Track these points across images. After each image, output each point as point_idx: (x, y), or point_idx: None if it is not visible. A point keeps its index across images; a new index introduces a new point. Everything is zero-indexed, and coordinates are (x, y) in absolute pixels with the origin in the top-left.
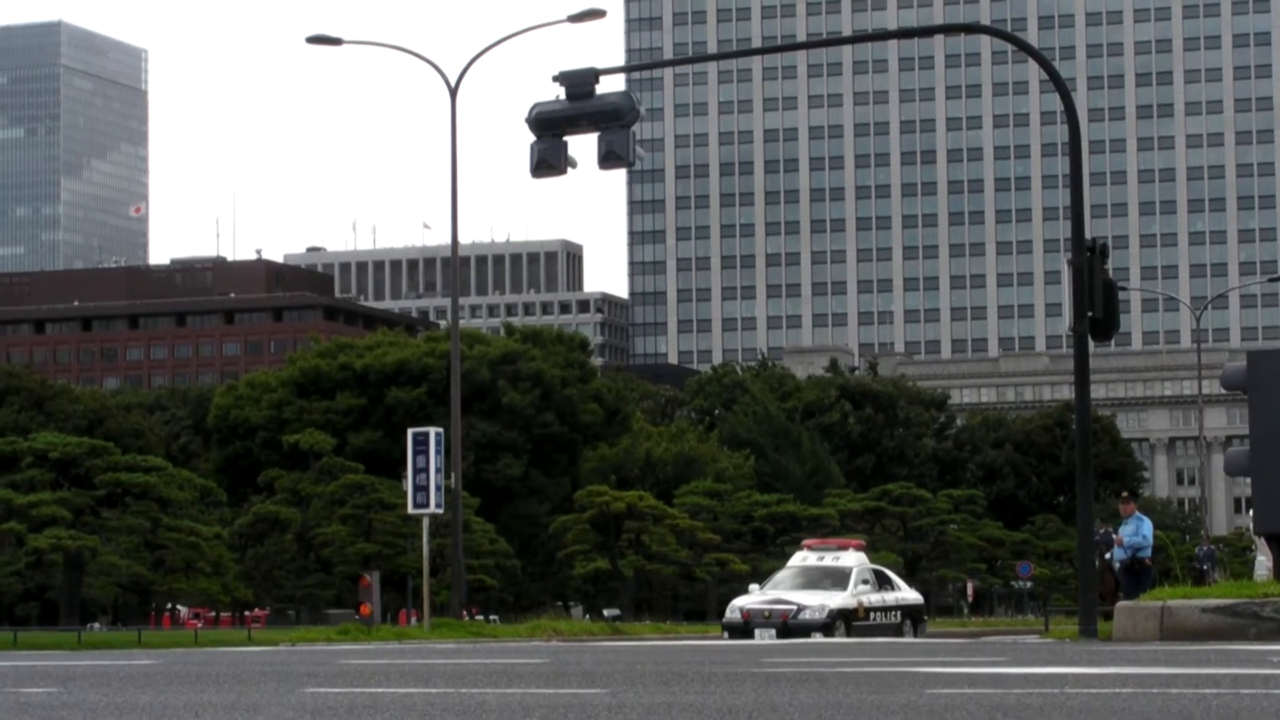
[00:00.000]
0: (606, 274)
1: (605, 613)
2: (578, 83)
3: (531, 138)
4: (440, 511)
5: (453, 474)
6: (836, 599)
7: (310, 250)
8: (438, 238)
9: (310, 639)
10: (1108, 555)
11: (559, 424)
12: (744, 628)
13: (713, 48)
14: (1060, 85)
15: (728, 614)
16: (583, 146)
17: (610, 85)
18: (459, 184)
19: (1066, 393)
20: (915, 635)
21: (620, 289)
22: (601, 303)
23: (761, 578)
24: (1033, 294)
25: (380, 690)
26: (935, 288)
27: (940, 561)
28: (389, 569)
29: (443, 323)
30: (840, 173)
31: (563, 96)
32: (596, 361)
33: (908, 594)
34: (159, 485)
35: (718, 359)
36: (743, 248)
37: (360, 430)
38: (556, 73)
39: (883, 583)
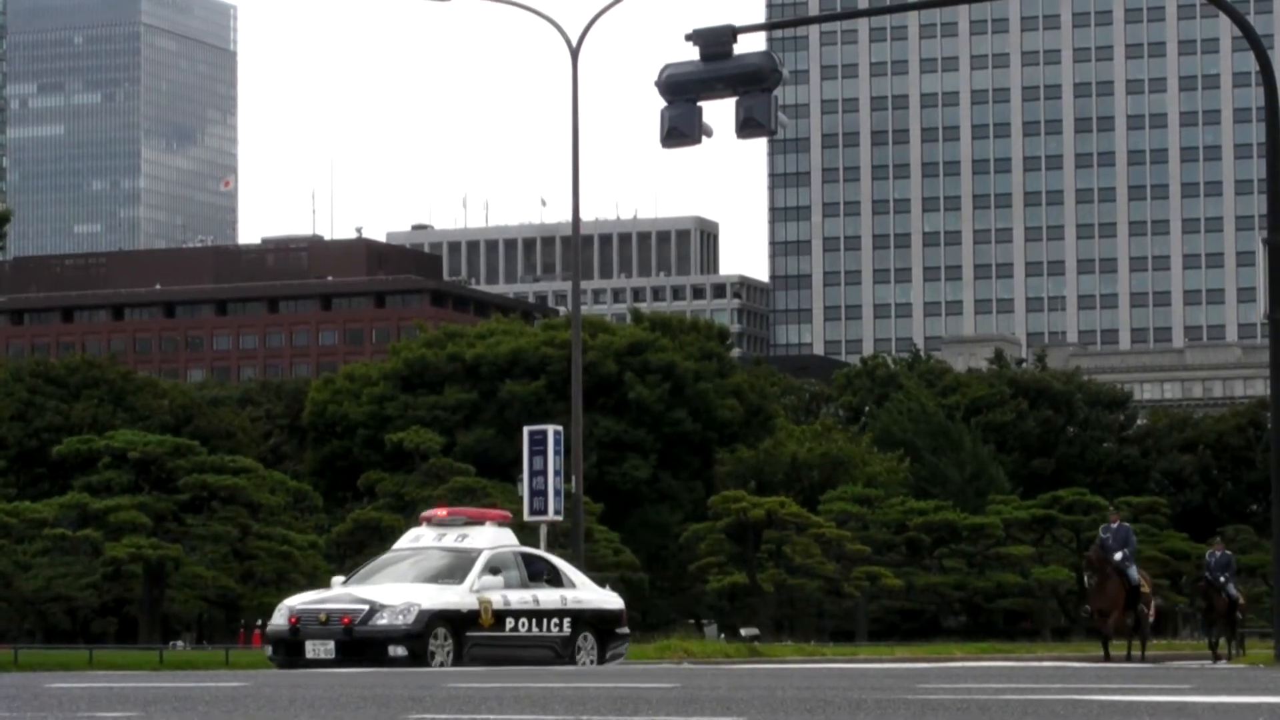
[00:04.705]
0: (745, 255)
1: (742, 632)
2: (713, 42)
3: (662, 103)
4: (560, 518)
5: (574, 477)
6: (441, 596)
7: (416, 228)
8: (556, 215)
9: None
10: (1223, 579)
11: (692, 422)
12: (292, 639)
13: (864, 2)
14: (1255, 43)
15: (274, 618)
16: (719, 113)
17: (750, 45)
18: (581, 155)
19: (1261, 388)
20: (601, 660)
21: (760, 272)
22: (739, 287)
23: (917, 594)
24: (1223, 277)
25: (491, 717)
26: (1113, 270)
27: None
28: None
29: (562, 309)
30: (1006, 142)
31: (697, 57)
32: (734, 352)
33: (588, 595)
34: (248, 489)
35: (868, 350)
36: (897, 225)
37: (471, 428)
38: (690, 31)
39: (539, 577)
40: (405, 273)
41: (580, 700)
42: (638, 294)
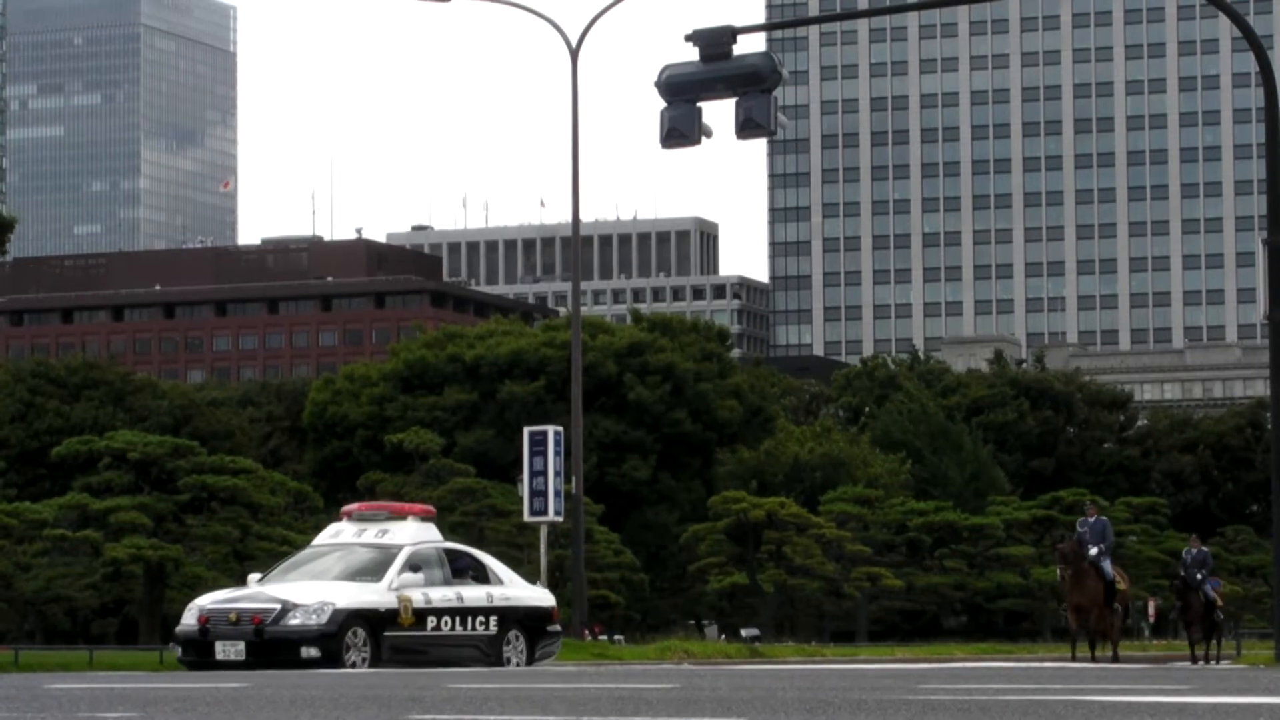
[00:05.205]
0: (744, 256)
1: (742, 632)
2: (713, 42)
3: (661, 104)
4: (560, 519)
5: (574, 477)
6: (358, 594)
7: (415, 229)
8: (556, 215)
9: None
10: (1199, 577)
11: (692, 423)
12: (202, 640)
13: (863, 3)
14: (1255, 43)
15: (184, 617)
16: (719, 114)
17: (749, 45)
18: (580, 155)
19: (1261, 389)
20: (530, 659)
21: (760, 272)
22: (739, 287)
23: (917, 595)
24: (1223, 278)
25: (493, 717)
26: (1113, 271)
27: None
28: None
29: (562, 309)
30: (1006, 142)
31: (696, 58)
32: (734, 353)
33: (517, 592)
34: (249, 489)
35: (868, 350)
36: (896, 226)
37: (470, 429)
38: (689, 32)
39: (465, 573)
40: (405, 273)
41: (580, 700)
42: (638, 295)
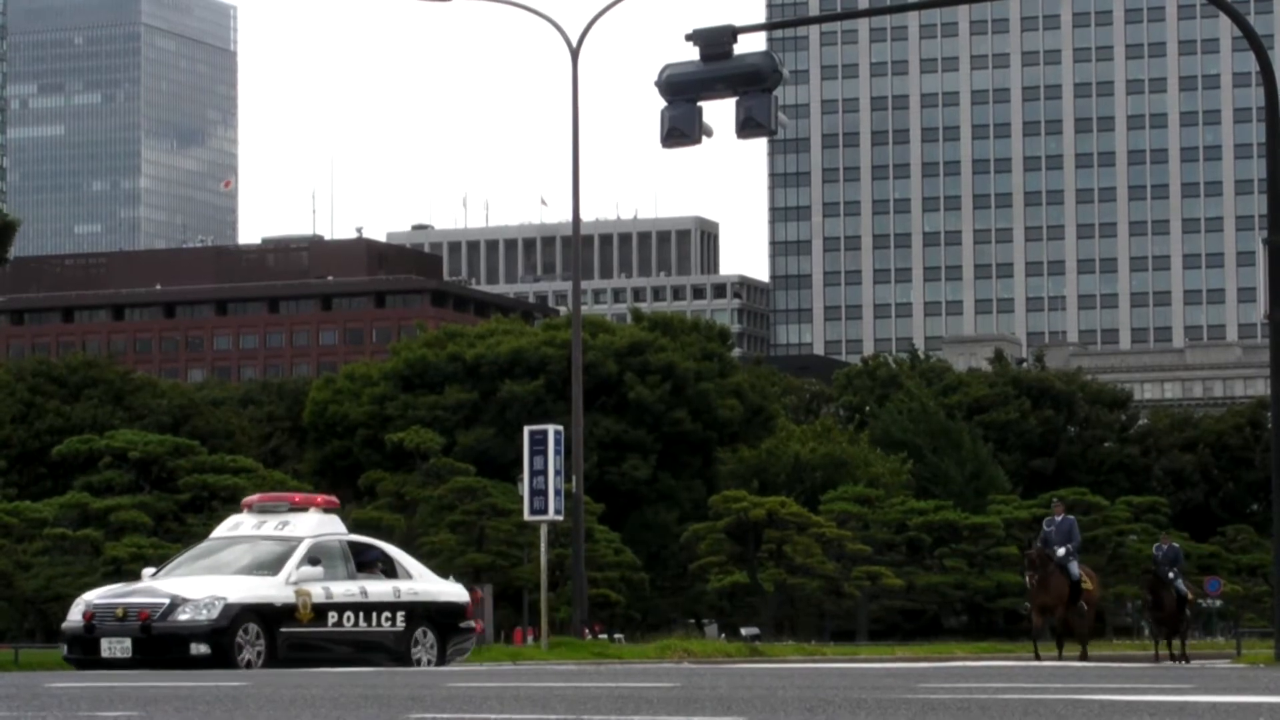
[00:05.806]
0: (745, 255)
1: (742, 631)
2: (713, 42)
3: (662, 103)
4: (560, 518)
5: (574, 476)
6: (252, 588)
7: (416, 228)
8: (557, 215)
9: None
10: (1171, 574)
11: (692, 422)
12: (87, 637)
13: (864, 2)
14: (1255, 43)
15: (70, 612)
16: (719, 113)
17: (750, 45)
18: (581, 155)
19: (1261, 388)
20: (441, 657)
21: (760, 272)
22: (739, 287)
23: (917, 594)
24: (1223, 277)
25: (491, 716)
26: (1113, 270)
27: (1118, 576)
28: (503, 582)
29: (563, 309)
30: (1006, 142)
31: (697, 58)
32: (734, 352)
33: (426, 586)
34: (249, 488)
35: (869, 349)
36: (897, 225)
37: (471, 428)
38: (690, 31)
39: (371, 567)
40: (405, 273)
41: (581, 700)
42: (638, 294)
